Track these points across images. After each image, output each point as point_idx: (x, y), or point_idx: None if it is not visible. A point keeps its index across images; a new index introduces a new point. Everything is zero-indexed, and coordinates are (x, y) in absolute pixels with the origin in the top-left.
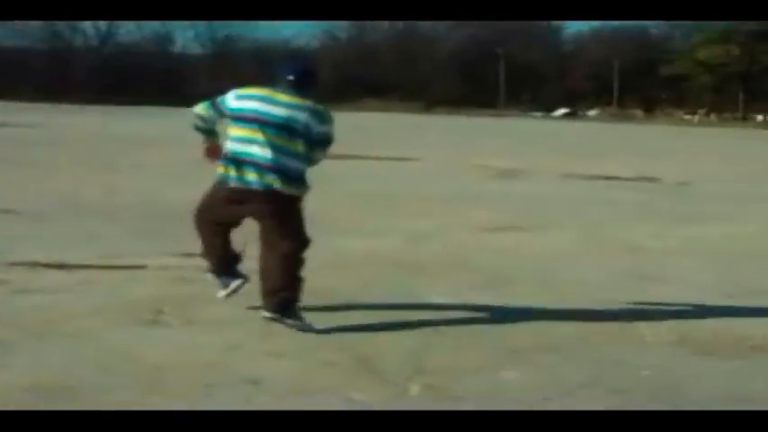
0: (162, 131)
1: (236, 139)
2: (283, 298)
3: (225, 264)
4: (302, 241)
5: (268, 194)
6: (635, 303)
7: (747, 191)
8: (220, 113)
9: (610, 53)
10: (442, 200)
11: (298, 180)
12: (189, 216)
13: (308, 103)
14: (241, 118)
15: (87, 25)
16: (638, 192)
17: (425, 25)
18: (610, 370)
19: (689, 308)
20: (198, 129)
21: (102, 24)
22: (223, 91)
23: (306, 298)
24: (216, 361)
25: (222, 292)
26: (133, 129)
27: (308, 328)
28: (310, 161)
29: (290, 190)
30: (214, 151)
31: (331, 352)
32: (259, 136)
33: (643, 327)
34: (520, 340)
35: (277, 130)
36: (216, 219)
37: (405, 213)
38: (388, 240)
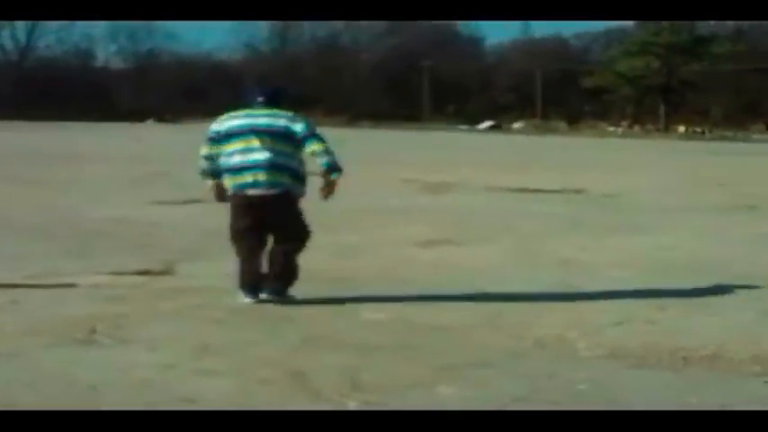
0: (87, 147)
1: (234, 152)
2: (283, 284)
3: (250, 285)
4: (306, 236)
5: (277, 194)
6: (567, 316)
7: (673, 202)
8: (216, 143)
9: (531, 65)
10: (370, 214)
11: (297, 178)
12: (116, 234)
13: (281, 111)
14: (233, 134)
15: (5, 38)
16: (565, 204)
17: (348, 37)
18: (545, 384)
19: (621, 320)
20: (205, 173)
21: (22, 37)
22: (147, 106)
23: (237, 315)
24: (152, 380)
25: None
26: (57, 144)
27: (292, 301)
28: (301, 161)
29: (293, 187)
30: (221, 191)
31: (266, 369)
32: (254, 143)
33: (576, 340)
34: (454, 355)
35: (266, 135)
36: (243, 233)
37: (334, 228)
38: (316, 255)
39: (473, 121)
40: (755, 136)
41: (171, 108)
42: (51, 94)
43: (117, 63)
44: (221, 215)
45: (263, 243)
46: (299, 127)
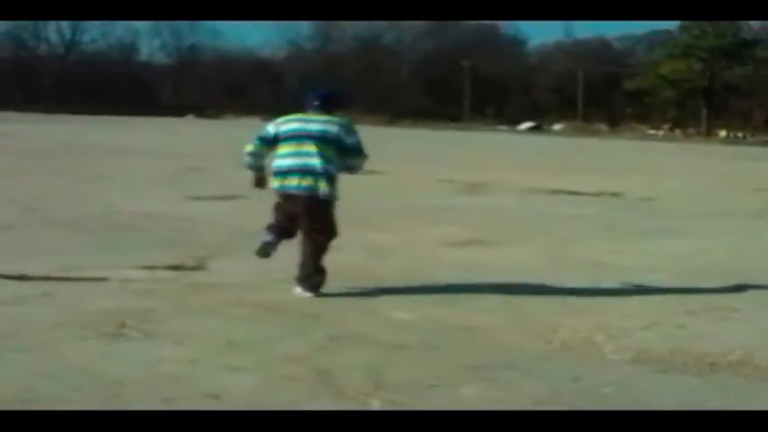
0: (127, 141)
1: (286, 154)
2: (316, 280)
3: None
4: (334, 234)
5: (318, 198)
6: (595, 319)
7: (710, 207)
8: (267, 144)
9: (574, 66)
10: (405, 214)
11: (335, 183)
12: (149, 228)
13: (336, 118)
14: (286, 137)
15: (52, 33)
16: (601, 207)
17: (390, 36)
18: (569, 386)
19: (649, 324)
20: (249, 166)
21: (67, 32)
22: (187, 101)
23: (265, 311)
24: (177, 375)
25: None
26: (98, 138)
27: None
28: (347, 168)
29: (330, 191)
30: (262, 181)
31: (291, 366)
32: (304, 149)
33: (603, 343)
34: (479, 356)
35: (317, 141)
36: (280, 222)
37: (368, 227)
38: (350, 254)
39: (513, 121)
40: None
41: (211, 104)
42: (95, 89)
43: (160, 58)
44: (255, 212)
45: (294, 232)
46: (351, 140)
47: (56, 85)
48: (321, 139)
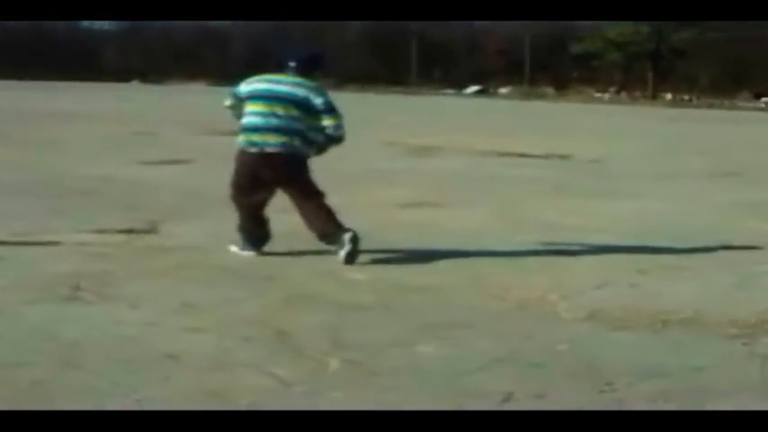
0: (73, 106)
1: (253, 113)
2: (335, 236)
3: (256, 237)
4: (321, 193)
5: (287, 154)
6: (549, 279)
7: (658, 168)
8: (239, 99)
9: (520, 30)
10: (355, 177)
11: (307, 142)
12: (101, 193)
13: (305, 81)
14: (255, 96)
15: None
16: (551, 169)
17: None
18: (525, 344)
19: (602, 283)
20: (234, 116)
21: None
22: (132, 67)
23: (220, 274)
24: (134, 336)
25: (234, 248)
26: (43, 104)
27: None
28: (318, 130)
29: (302, 149)
30: None
31: (249, 327)
32: (272, 109)
33: (557, 302)
34: (434, 315)
35: (285, 102)
36: (245, 192)
37: None
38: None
39: (460, 85)
40: (742, 104)
41: (157, 69)
42: (36, 54)
43: (103, 23)
44: (206, 175)
45: (266, 201)
46: (318, 101)
47: None
48: (289, 101)
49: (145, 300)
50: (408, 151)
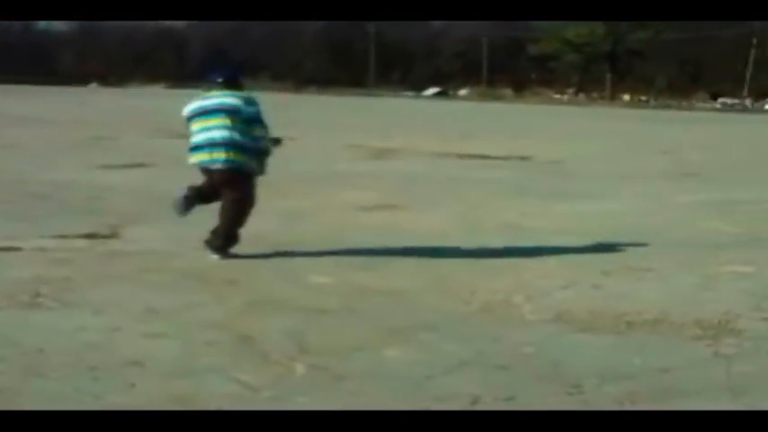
0: (30, 110)
1: (196, 131)
2: (222, 243)
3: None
4: (248, 204)
5: (225, 168)
6: (513, 281)
7: (618, 169)
8: (187, 123)
9: (478, 31)
10: (316, 179)
11: (249, 153)
12: (61, 197)
13: (236, 92)
14: (194, 115)
15: None
16: (511, 170)
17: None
18: (491, 347)
19: (567, 285)
20: None
21: None
22: (90, 70)
23: (183, 278)
24: (98, 343)
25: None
26: None
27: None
28: (254, 138)
29: (242, 160)
30: None
31: (212, 332)
32: (210, 123)
33: (522, 304)
34: (400, 319)
35: (218, 114)
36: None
37: (279, 193)
38: (263, 219)
39: (418, 87)
40: (699, 105)
41: (115, 71)
42: None
43: (59, 25)
44: (167, 179)
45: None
46: (249, 110)
47: None
48: (220, 111)
49: (107, 305)
50: (369, 154)
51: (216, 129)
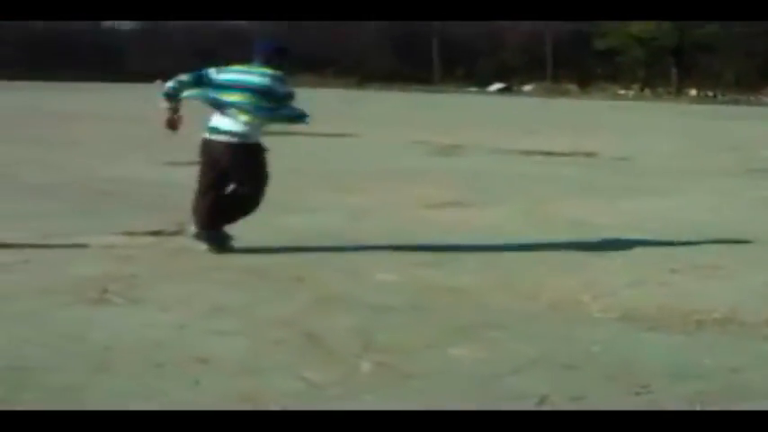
0: (97, 107)
1: (220, 101)
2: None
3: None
4: (261, 184)
5: (237, 142)
6: (580, 279)
7: (685, 165)
8: (201, 81)
9: (542, 26)
10: (383, 176)
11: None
12: (127, 194)
13: (272, 71)
14: (224, 86)
15: None
16: (577, 167)
17: None
18: (558, 346)
19: (634, 283)
20: (168, 93)
21: None
22: (156, 67)
23: (250, 275)
24: (164, 340)
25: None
26: (66, 104)
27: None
28: (285, 116)
29: (251, 134)
30: (174, 123)
31: (279, 330)
32: (237, 98)
33: (589, 302)
34: (466, 317)
35: (250, 92)
36: (204, 171)
37: (346, 190)
38: (329, 217)
39: (483, 83)
40: (767, 99)
41: (181, 69)
42: (61, 55)
43: (126, 24)
44: None
45: (220, 185)
46: (283, 90)
47: (20, 52)
48: (255, 91)
49: (174, 302)
50: (435, 150)
51: (242, 105)
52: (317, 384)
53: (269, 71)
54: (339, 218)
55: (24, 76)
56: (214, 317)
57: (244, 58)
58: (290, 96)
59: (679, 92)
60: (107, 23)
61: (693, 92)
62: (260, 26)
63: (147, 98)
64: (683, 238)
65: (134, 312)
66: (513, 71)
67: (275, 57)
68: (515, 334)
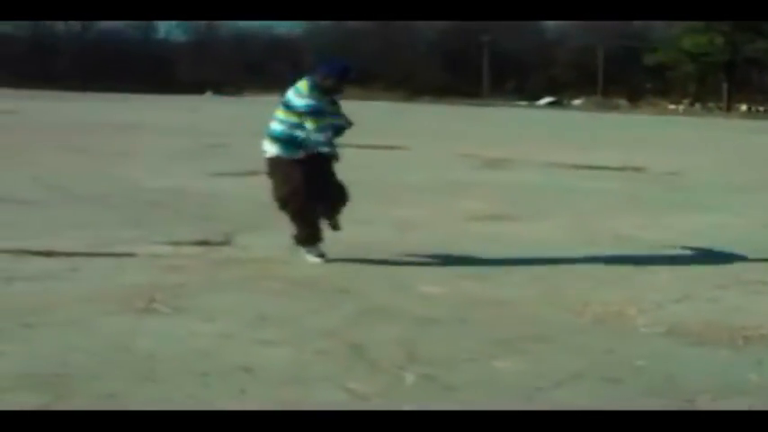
0: (146, 118)
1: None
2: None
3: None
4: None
5: (277, 156)
6: (626, 293)
7: (735, 181)
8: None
9: (593, 41)
10: (430, 189)
11: (290, 143)
12: (175, 204)
13: (299, 87)
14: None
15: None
16: (625, 181)
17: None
18: (602, 359)
19: (681, 298)
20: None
21: None
22: (205, 79)
23: (295, 286)
24: (209, 349)
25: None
26: (117, 115)
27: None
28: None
29: (284, 151)
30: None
31: (324, 340)
32: (279, 114)
33: (635, 316)
34: (511, 329)
35: (284, 108)
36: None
37: (393, 202)
38: (376, 229)
39: (533, 97)
40: None
41: (229, 81)
42: (113, 67)
43: (177, 36)
44: None
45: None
46: (300, 102)
47: (73, 64)
48: (284, 105)
49: (220, 312)
50: (483, 163)
51: (278, 122)
52: (361, 395)
53: (296, 86)
54: (386, 230)
55: (78, 87)
56: (259, 326)
57: (293, 71)
58: (308, 113)
59: (729, 107)
60: (158, 34)
61: (744, 107)
62: (308, 37)
63: (196, 109)
64: (730, 254)
65: (180, 321)
66: (563, 86)
67: (347, 75)
68: (559, 347)
